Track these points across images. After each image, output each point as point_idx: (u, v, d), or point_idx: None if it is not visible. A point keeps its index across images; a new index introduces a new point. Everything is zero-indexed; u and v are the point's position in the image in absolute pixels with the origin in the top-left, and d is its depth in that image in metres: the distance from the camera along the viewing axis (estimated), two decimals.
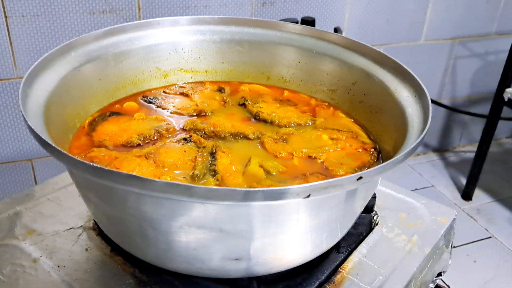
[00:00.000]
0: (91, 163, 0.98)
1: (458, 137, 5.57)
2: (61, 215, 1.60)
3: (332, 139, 1.57)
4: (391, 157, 1.41)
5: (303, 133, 1.60)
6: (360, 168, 1.43)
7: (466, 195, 4.82)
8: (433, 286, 1.70)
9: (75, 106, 1.56)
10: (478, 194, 4.88)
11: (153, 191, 0.96)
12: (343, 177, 1.00)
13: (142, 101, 1.76)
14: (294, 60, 1.90)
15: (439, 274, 1.72)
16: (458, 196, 4.89)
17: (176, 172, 1.37)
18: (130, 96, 1.79)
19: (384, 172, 1.07)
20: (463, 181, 4.91)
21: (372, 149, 1.53)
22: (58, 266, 1.40)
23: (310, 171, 1.41)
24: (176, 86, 1.88)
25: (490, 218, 4.59)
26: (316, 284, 1.40)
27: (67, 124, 1.49)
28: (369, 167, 1.44)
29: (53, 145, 1.03)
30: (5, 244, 1.46)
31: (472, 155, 4.61)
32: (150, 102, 1.74)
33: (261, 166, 1.39)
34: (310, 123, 1.68)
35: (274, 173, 1.39)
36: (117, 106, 1.71)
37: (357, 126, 1.67)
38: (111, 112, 1.64)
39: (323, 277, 1.42)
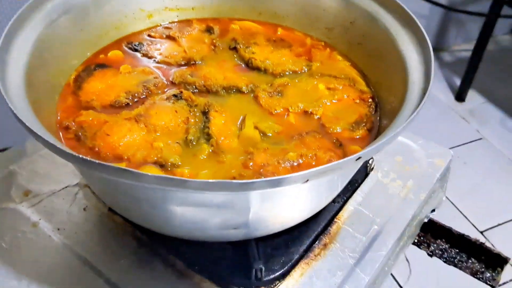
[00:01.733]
0: (82, 157, 0.94)
1: (454, 36, 5.43)
2: (55, 173, 1.59)
3: (328, 88, 1.51)
4: (388, 110, 1.37)
5: (298, 83, 1.53)
6: (358, 123, 1.39)
7: (459, 96, 4.79)
8: (426, 221, 1.75)
9: (58, 63, 1.46)
10: (472, 95, 4.86)
11: (147, 184, 0.94)
12: (341, 161, 0.97)
13: (126, 49, 1.65)
14: None
15: (433, 210, 1.77)
16: (452, 97, 4.88)
17: (169, 136, 1.33)
18: (114, 42, 1.68)
19: (381, 149, 1.04)
20: (457, 82, 4.86)
21: (370, 99, 1.48)
22: (58, 229, 1.41)
23: (306, 129, 1.37)
24: (161, 27, 1.76)
25: (483, 120, 4.62)
26: (313, 236, 1.43)
27: (51, 84, 1.41)
28: (366, 121, 1.40)
29: (44, 137, 0.98)
30: (3, 208, 1.46)
31: (468, 54, 4.49)
32: (136, 50, 1.64)
33: (256, 127, 1.35)
34: (306, 69, 1.60)
35: (269, 134, 1.35)
36: (101, 56, 1.61)
37: (355, 71, 1.60)
38: (96, 65, 1.55)
39: (319, 229, 1.45)
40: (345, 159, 0.97)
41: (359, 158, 0.98)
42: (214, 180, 0.91)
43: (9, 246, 1.35)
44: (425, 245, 1.90)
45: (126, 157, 1.25)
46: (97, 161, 0.93)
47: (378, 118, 1.43)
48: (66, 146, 1.28)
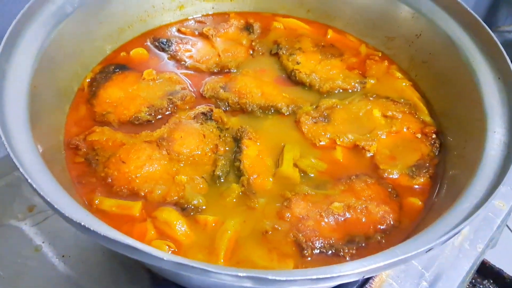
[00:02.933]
0: (93, 230, 0.75)
1: (505, 15, 4.99)
2: None
3: (385, 116, 1.27)
4: (456, 157, 1.14)
5: (349, 106, 1.29)
6: (419, 167, 1.16)
7: None
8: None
9: (70, 65, 1.26)
10: None
11: (160, 265, 0.75)
12: (407, 256, 0.76)
13: (152, 47, 1.44)
14: None
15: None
16: None
17: (194, 168, 1.13)
18: (139, 37, 1.47)
19: (452, 236, 0.83)
20: None
21: (434, 135, 1.24)
22: (63, 256, 1.25)
23: (356, 171, 1.16)
24: (193, 21, 1.52)
25: None
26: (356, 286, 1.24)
27: (61, 93, 1.22)
28: (429, 165, 1.17)
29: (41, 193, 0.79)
30: (5, 225, 1.30)
31: None
32: (163, 49, 1.42)
33: (296, 165, 1.13)
34: (359, 87, 1.36)
35: (311, 174, 1.14)
36: (122, 54, 1.40)
37: (417, 94, 1.35)
38: (115, 66, 1.34)
39: (359, 282, 1.26)
40: (412, 253, 0.76)
41: (430, 249, 0.77)
42: (243, 273, 0.71)
43: (8, 275, 1.20)
44: (470, 285, 1.70)
45: (143, 193, 1.06)
46: (102, 233, 0.75)
47: (442, 162, 1.19)
48: (73, 173, 1.10)
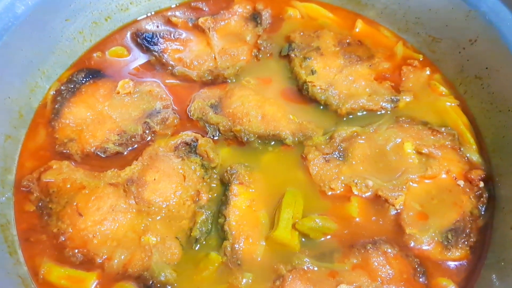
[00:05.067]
0: None
1: None
2: None
3: (419, 153, 0.99)
4: (507, 214, 0.86)
5: (374, 136, 1.01)
6: (456, 232, 0.90)
7: None
8: None
9: (26, 78, 1.03)
10: None
11: None
12: None
13: (134, 44, 1.17)
14: None
15: None
16: None
17: (167, 225, 0.90)
18: (118, 30, 1.20)
19: None
20: None
21: (481, 183, 0.95)
22: None
23: (374, 233, 0.90)
24: (186, 16, 1.22)
25: None
26: None
27: (13, 116, 1.00)
28: (471, 230, 0.90)
29: None
30: None
31: None
32: (147, 48, 1.15)
33: (295, 228, 0.88)
34: (389, 106, 1.06)
35: (315, 240, 0.89)
36: (97, 54, 1.15)
37: (465, 118, 1.05)
38: (86, 72, 1.09)
39: None
40: None
41: None
42: None
43: None
44: None
45: (100, 260, 0.86)
46: None
47: (490, 225, 0.91)
48: (21, 226, 0.90)
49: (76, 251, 0.87)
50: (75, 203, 0.90)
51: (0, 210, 0.89)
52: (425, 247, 0.88)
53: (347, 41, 1.18)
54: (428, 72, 1.12)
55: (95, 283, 0.84)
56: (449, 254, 0.88)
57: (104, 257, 0.86)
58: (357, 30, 1.21)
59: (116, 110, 1.04)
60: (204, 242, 0.89)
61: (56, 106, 1.05)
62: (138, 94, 1.06)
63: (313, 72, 1.09)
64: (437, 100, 1.08)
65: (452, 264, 0.87)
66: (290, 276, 0.84)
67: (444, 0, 1.07)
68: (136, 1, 1.19)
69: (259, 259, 0.87)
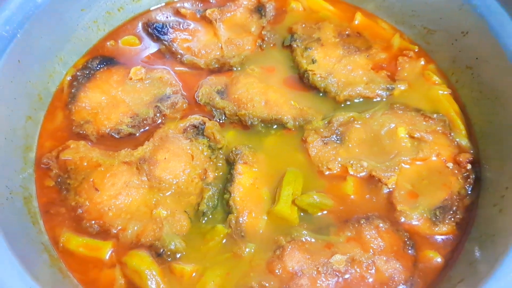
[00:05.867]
0: None
1: None
2: None
3: (412, 137, 1.06)
4: (494, 195, 0.93)
5: (369, 121, 1.08)
6: (444, 209, 0.97)
7: None
8: None
9: (45, 64, 1.10)
10: None
11: None
12: None
13: (145, 34, 1.24)
14: None
15: None
16: None
17: (176, 199, 0.98)
18: (131, 20, 1.27)
19: None
20: None
21: (469, 165, 1.02)
22: None
23: (367, 210, 0.97)
24: (194, 8, 1.29)
25: None
26: None
27: (33, 99, 1.07)
28: (457, 208, 0.97)
29: None
30: None
31: None
32: (157, 38, 1.22)
33: (294, 203, 0.96)
34: (384, 94, 1.13)
35: (313, 214, 0.96)
36: (110, 43, 1.22)
37: (456, 105, 1.12)
38: (100, 59, 1.17)
39: None
40: None
41: None
42: None
43: None
44: None
45: (115, 231, 0.93)
46: None
47: (475, 204, 0.98)
48: (42, 200, 0.98)
49: (93, 222, 0.94)
50: (91, 179, 0.98)
51: (23, 184, 0.96)
52: (414, 223, 0.95)
53: (347, 32, 1.24)
54: (422, 63, 1.19)
55: (111, 251, 0.91)
56: (436, 229, 0.95)
57: (118, 228, 0.93)
58: (356, 22, 1.27)
59: (129, 95, 1.11)
60: (210, 216, 0.96)
61: (73, 90, 1.12)
62: (150, 80, 1.14)
63: (313, 61, 1.16)
64: (430, 88, 1.15)
65: (439, 238, 0.94)
66: (289, 247, 0.91)
67: None
68: None
69: (261, 231, 0.94)
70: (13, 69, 0.99)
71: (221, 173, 1.02)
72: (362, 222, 0.95)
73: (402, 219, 0.95)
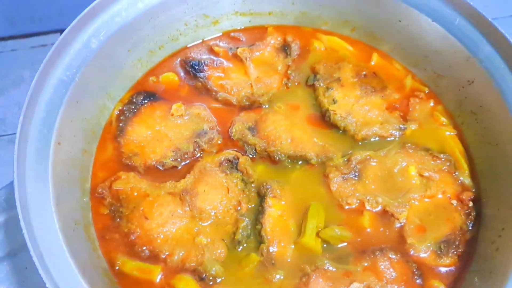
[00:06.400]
0: None
1: None
2: None
3: (421, 176, 1.20)
4: (490, 231, 1.08)
5: (384, 159, 1.22)
6: (448, 244, 1.11)
7: None
8: None
9: (97, 101, 1.24)
10: None
11: None
12: None
13: (182, 71, 1.37)
14: (393, 18, 1.35)
15: None
16: None
17: (215, 228, 1.12)
18: (169, 57, 1.40)
19: None
20: None
21: (470, 203, 1.16)
22: None
23: (381, 242, 1.12)
24: (227, 46, 1.42)
25: None
26: None
27: (88, 134, 1.21)
28: (459, 242, 1.12)
29: None
30: None
31: None
32: (194, 75, 1.35)
33: (318, 236, 1.10)
34: (398, 134, 1.27)
35: (334, 245, 1.11)
36: (152, 79, 1.35)
37: (460, 146, 1.26)
38: (144, 95, 1.30)
39: None
40: None
41: None
42: None
43: None
44: None
45: (163, 256, 1.08)
46: None
47: (475, 238, 1.13)
48: (98, 226, 1.12)
49: (144, 248, 1.08)
50: (141, 208, 1.12)
51: (82, 213, 1.11)
52: (422, 255, 1.10)
53: (364, 73, 1.37)
54: (432, 104, 1.32)
55: (161, 274, 1.06)
56: (441, 261, 1.09)
57: (166, 253, 1.08)
58: (372, 63, 1.40)
59: (171, 130, 1.25)
60: (245, 244, 1.10)
61: (120, 124, 1.26)
62: (188, 116, 1.27)
63: (334, 102, 1.30)
64: (438, 129, 1.28)
65: (443, 269, 1.09)
66: (314, 275, 1.06)
67: (448, 44, 1.26)
68: (184, 32, 1.38)
69: (289, 260, 1.08)
70: (73, 110, 1.13)
71: (253, 205, 1.16)
72: (377, 253, 1.09)
73: (412, 252, 1.10)
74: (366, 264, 1.08)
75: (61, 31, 3.05)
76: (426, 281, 1.07)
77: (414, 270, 1.08)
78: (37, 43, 2.94)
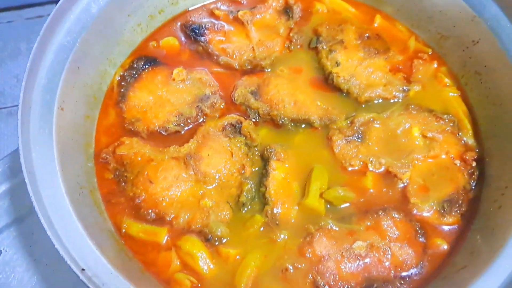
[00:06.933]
0: None
1: None
2: None
3: (424, 137, 1.20)
4: (495, 189, 1.09)
5: (387, 121, 1.22)
6: (451, 203, 1.12)
7: None
8: None
9: (98, 67, 1.23)
10: None
11: None
12: None
13: (183, 35, 1.36)
14: None
15: None
16: None
17: (219, 191, 1.13)
18: (170, 21, 1.38)
19: None
20: None
21: (474, 163, 1.17)
22: None
23: (384, 202, 1.13)
24: (227, 9, 1.39)
25: None
26: None
27: (90, 99, 1.21)
28: (462, 201, 1.12)
29: None
30: None
31: None
32: (195, 39, 1.33)
33: (322, 197, 1.11)
34: (401, 95, 1.26)
35: (337, 206, 1.12)
36: (152, 44, 1.34)
37: (464, 107, 1.25)
38: (145, 60, 1.29)
39: None
40: None
41: None
42: None
43: None
44: None
45: (169, 218, 1.09)
46: None
47: (478, 198, 1.14)
48: (103, 191, 1.13)
49: (150, 211, 1.10)
50: (146, 173, 1.13)
51: (87, 178, 1.11)
52: (425, 214, 1.11)
53: (367, 35, 1.36)
54: (435, 65, 1.31)
55: (167, 236, 1.07)
56: (444, 219, 1.10)
57: (172, 216, 1.09)
58: (375, 24, 1.38)
59: (173, 94, 1.24)
60: (249, 207, 1.11)
61: (122, 90, 1.25)
62: (190, 81, 1.26)
63: (337, 64, 1.29)
64: (441, 90, 1.28)
65: (446, 228, 1.10)
66: (318, 234, 1.07)
67: (453, 4, 1.24)
68: None
69: (293, 221, 1.10)
70: (74, 75, 1.12)
71: (257, 168, 1.17)
72: (380, 213, 1.10)
73: (415, 211, 1.11)
74: (369, 223, 1.09)
75: (56, 1, 3.02)
76: (429, 240, 1.08)
77: (417, 229, 1.09)
78: (33, 14, 2.90)
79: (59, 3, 1.11)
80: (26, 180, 0.91)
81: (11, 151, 1.35)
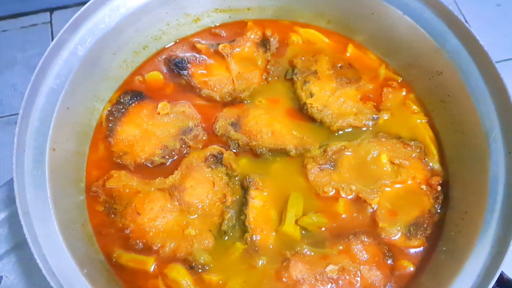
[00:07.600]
0: None
1: None
2: None
3: (392, 163, 1.28)
4: (458, 217, 1.18)
5: (357, 149, 1.30)
6: (417, 226, 1.21)
7: None
8: None
9: (87, 104, 1.31)
10: None
11: None
12: None
13: (166, 69, 1.44)
14: (367, 11, 1.41)
15: None
16: None
17: (202, 220, 1.22)
18: (154, 56, 1.46)
19: None
20: None
21: (439, 187, 1.26)
22: None
23: (355, 226, 1.22)
24: (208, 43, 1.47)
25: None
26: None
27: (80, 136, 1.29)
28: (427, 225, 1.22)
29: None
30: None
31: None
32: (178, 73, 1.41)
33: (297, 223, 1.20)
34: (371, 123, 1.35)
35: (312, 231, 1.21)
36: (137, 78, 1.42)
37: (430, 132, 1.34)
38: (131, 95, 1.37)
39: None
40: None
41: None
42: None
43: None
44: None
45: (155, 248, 1.18)
46: None
47: (442, 221, 1.23)
48: (94, 222, 1.22)
49: (138, 241, 1.18)
50: (133, 204, 1.21)
51: (79, 212, 1.20)
52: (393, 237, 1.20)
53: (339, 64, 1.44)
54: (404, 93, 1.40)
55: (154, 264, 1.16)
56: (410, 242, 1.19)
57: (158, 245, 1.17)
58: (348, 54, 1.47)
59: (158, 128, 1.32)
60: (231, 234, 1.20)
61: (110, 124, 1.33)
62: (174, 114, 1.35)
63: (311, 95, 1.37)
64: (410, 116, 1.36)
65: (412, 250, 1.19)
66: (293, 259, 1.16)
67: (418, 35, 1.33)
68: (167, 31, 1.44)
69: (271, 246, 1.18)
70: (64, 115, 1.20)
71: (237, 197, 1.25)
72: (350, 237, 1.19)
73: (383, 235, 1.20)
74: (341, 247, 1.18)
75: (50, 9, 3.09)
76: (396, 262, 1.17)
77: (385, 251, 1.18)
78: (27, 22, 2.95)
79: (49, 47, 1.19)
80: (22, 223, 0.99)
81: (8, 180, 1.43)
